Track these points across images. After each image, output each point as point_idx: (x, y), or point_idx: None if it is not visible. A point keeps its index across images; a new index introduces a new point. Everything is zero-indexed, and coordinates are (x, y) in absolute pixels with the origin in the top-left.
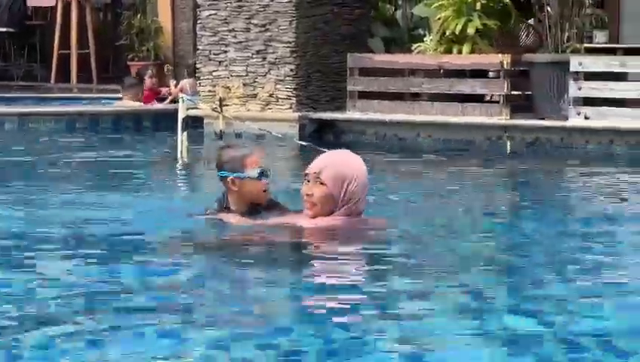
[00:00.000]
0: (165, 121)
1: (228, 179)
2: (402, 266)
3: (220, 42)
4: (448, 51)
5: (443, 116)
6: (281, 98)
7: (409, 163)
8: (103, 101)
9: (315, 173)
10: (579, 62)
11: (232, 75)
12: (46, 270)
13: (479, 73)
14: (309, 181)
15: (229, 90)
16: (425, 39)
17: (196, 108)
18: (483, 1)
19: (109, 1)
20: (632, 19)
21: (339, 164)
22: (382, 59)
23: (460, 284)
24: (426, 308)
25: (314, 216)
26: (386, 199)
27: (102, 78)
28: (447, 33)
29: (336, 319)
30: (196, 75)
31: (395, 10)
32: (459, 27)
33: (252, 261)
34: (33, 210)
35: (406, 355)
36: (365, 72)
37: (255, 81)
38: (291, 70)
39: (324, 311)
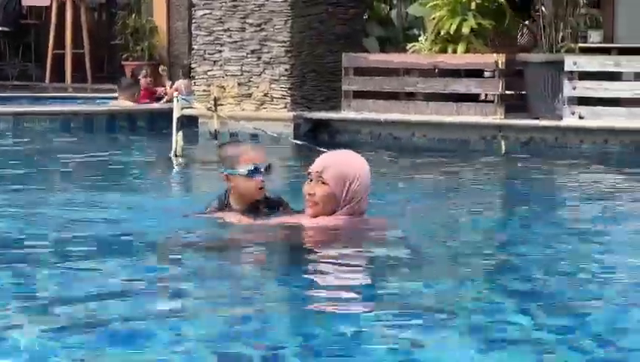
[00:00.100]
0: (160, 121)
1: (223, 176)
2: (403, 266)
3: (215, 42)
4: (443, 51)
5: (438, 116)
6: (275, 97)
7: (404, 162)
8: (98, 101)
9: (317, 172)
10: (573, 62)
11: (227, 75)
12: (45, 270)
13: (474, 73)
14: (311, 180)
15: (224, 89)
16: (420, 39)
17: (191, 107)
18: (478, 1)
19: (103, 0)
20: (627, 19)
21: (341, 163)
22: (377, 58)
23: (461, 283)
24: (426, 308)
25: (316, 216)
26: (384, 199)
27: (96, 78)
28: (442, 33)
29: (336, 318)
30: (191, 74)
31: (390, 9)
32: (453, 27)
33: (252, 260)
34: (31, 210)
35: (406, 354)
36: (360, 71)
37: (250, 81)
38: (286, 70)
39: (324, 311)
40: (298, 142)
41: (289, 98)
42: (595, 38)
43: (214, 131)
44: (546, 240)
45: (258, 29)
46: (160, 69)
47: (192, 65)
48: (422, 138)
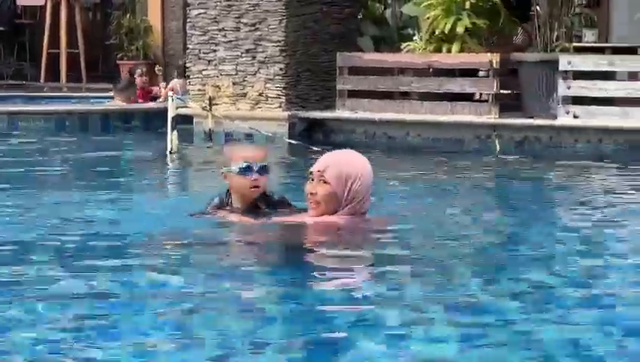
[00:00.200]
0: (155, 120)
1: (221, 173)
2: (404, 266)
3: (210, 41)
4: (438, 50)
5: (432, 115)
6: (270, 97)
7: (401, 162)
8: (92, 100)
9: (319, 171)
10: (568, 61)
11: (221, 74)
12: (43, 270)
13: (468, 72)
14: (312, 180)
15: (219, 89)
16: (414, 38)
17: (186, 107)
18: (472, 0)
19: (98, 0)
20: (622, 19)
21: (343, 163)
22: (371, 58)
23: (462, 283)
24: (428, 307)
25: (318, 215)
26: (383, 198)
27: (91, 77)
28: (437, 32)
29: (337, 318)
30: (186, 74)
31: (385, 9)
32: (448, 26)
33: (251, 260)
34: (28, 210)
35: (407, 353)
36: (355, 70)
37: (245, 80)
38: (281, 69)
39: (324, 311)
40: (293, 141)
41: (284, 97)
42: (589, 37)
43: (209, 130)
44: (542, 239)
45: (253, 28)
46: (156, 68)
47: (187, 65)
48: (416, 137)
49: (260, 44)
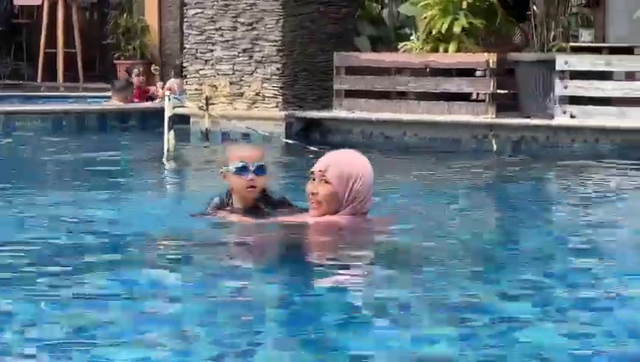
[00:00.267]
0: (152, 120)
1: (220, 173)
2: (405, 266)
3: (207, 41)
4: (434, 50)
5: (429, 115)
6: (267, 96)
7: (396, 161)
8: (90, 100)
9: (320, 171)
10: (565, 61)
11: (218, 74)
12: (41, 270)
13: (465, 72)
14: (314, 179)
15: (216, 88)
16: (411, 38)
17: (183, 106)
18: (469, 0)
19: (95, 0)
20: (618, 19)
21: (344, 162)
22: (368, 57)
23: (462, 283)
24: (429, 307)
25: (319, 215)
26: (382, 198)
27: (88, 77)
28: (434, 32)
29: (337, 318)
30: (183, 73)
31: (382, 8)
32: (445, 26)
33: (252, 260)
34: (26, 210)
35: (408, 353)
36: (352, 70)
37: (242, 80)
38: (278, 69)
39: (325, 311)
40: (290, 141)
41: (281, 97)
42: (586, 37)
43: (206, 130)
44: (540, 239)
45: (250, 28)
46: (152, 68)
47: (184, 65)
48: (413, 137)
49: (257, 44)
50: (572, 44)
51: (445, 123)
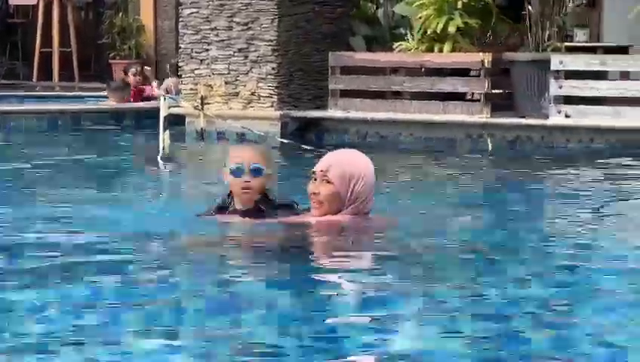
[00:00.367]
0: (147, 119)
1: (222, 173)
2: (407, 266)
3: (202, 40)
4: (430, 50)
5: (424, 114)
6: (262, 96)
7: (392, 161)
8: (86, 99)
9: (321, 171)
10: (559, 61)
11: (214, 74)
12: (37, 270)
13: (460, 72)
14: (315, 179)
15: (211, 88)
16: (406, 38)
17: (178, 106)
18: (464, 0)
19: None
20: (614, 19)
21: (346, 162)
22: (363, 57)
23: (463, 282)
24: (430, 307)
25: (321, 215)
26: (382, 198)
27: (83, 77)
28: (429, 32)
29: (339, 318)
30: (178, 73)
31: (377, 8)
32: (440, 26)
33: (253, 260)
34: (20, 211)
35: (409, 353)
36: (347, 70)
37: (237, 80)
38: (273, 68)
39: (326, 311)
40: (285, 141)
41: (276, 97)
42: (580, 37)
43: (201, 130)
44: (537, 239)
45: (245, 27)
46: (144, 68)
47: (180, 64)
48: (408, 137)
49: (253, 44)
50: (567, 43)
51: (440, 123)
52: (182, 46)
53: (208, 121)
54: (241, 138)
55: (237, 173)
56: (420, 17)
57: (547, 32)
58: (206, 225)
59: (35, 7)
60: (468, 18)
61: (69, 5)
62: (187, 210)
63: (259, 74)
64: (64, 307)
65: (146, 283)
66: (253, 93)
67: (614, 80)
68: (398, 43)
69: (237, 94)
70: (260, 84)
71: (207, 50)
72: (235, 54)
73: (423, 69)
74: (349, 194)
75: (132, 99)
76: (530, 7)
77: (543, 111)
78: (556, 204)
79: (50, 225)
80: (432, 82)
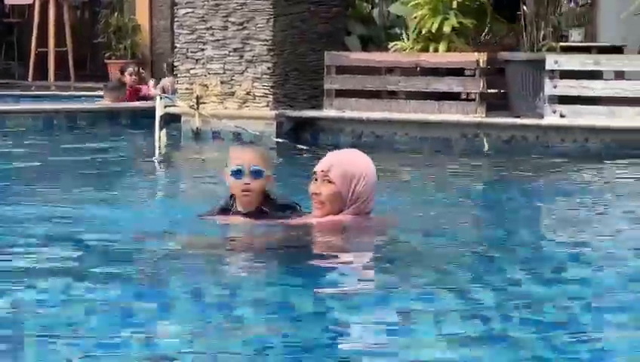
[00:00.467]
0: (143, 119)
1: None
2: (409, 266)
3: (198, 40)
4: (425, 49)
5: (419, 114)
6: (258, 96)
7: (388, 161)
8: (82, 99)
9: (322, 171)
10: (554, 61)
11: (209, 73)
12: (34, 270)
13: (455, 71)
14: (316, 180)
15: (207, 87)
16: (401, 37)
17: (174, 105)
18: (459, 0)
19: None
20: (609, 19)
21: (347, 162)
22: (359, 57)
23: (465, 282)
24: (432, 307)
25: (323, 216)
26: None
27: (79, 76)
28: (424, 31)
29: (340, 318)
30: (174, 73)
31: (372, 8)
32: (435, 25)
33: (254, 261)
34: (16, 211)
35: (411, 352)
36: (342, 70)
37: (232, 79)
38: (268, 68)
39: (327, 311)
40: (280, 140)
41: (271, 96)
42: (575, 37)
43: (196, 129)
44: (534, 239)
45: (240, 27)
46: (139, 69)
47: (175, 64)
48: (404, 136)
49: (248, 43)
50: (562, 43)
51: (435, 122)
52: (177, 46)
53: (204, 120)
54: (237, 137)
55: (237, 174)
56: (415, 17)
57: (542, 32)
58: (208, 225)
59: (31, 6)
60: (463, 18)
61: (65, 5)
62: (183, 210)
63: (254, 73)
64: (64, 307)
65: (146, 284)
66: (248, 93)
67: (609, 80)
68: (394, 43)
69: (232, 94)
70: (256, 84)
71: (202, 49)
72: (231, 54)
73: (418, 69)
74: (350, 194)
75: (128, 99)
76: (525, 7)
77: (538, 110)
78: (551, 203)
79: (48, 225)
80: (427, 82)
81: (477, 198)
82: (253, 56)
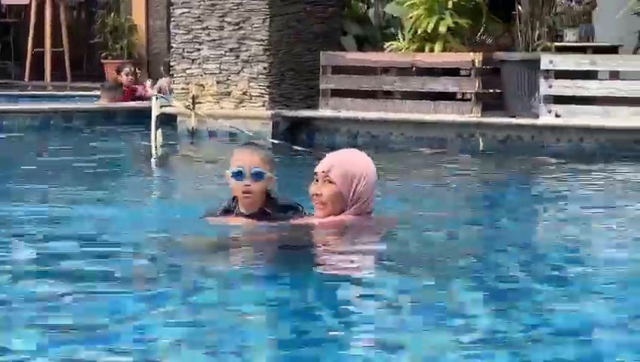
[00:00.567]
0: (139, 119)
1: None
2: (410, 266)
3: (194, 40)
4: (420, 49)
5: (415, 114)
6: (254, 96)
7: (384, 160)
8: (77, 98)
9: (323, 172)
10: (549, 61)
11: (205, 73)
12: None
13: (451, 71)
14: (317, 180)
15: (203, 87)
16: (397, 37)
17: (170, 105)
18: (454, 0)
19: None
20: (604, 18)
21: (347, 162)
22: (354, 57)
23: (465, 282)
24: (433, 307)
25: (324, 216)
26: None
27: (75, 76)
28: (419, 31)
29: (341, 318)
30: (170, 72)
31: (368, 8)
32: (431, 25)
33: (256, 261)
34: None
35: (412, 352)
36: (338, 70)
37: (228, 79)
38: (264, 68)
39: (328, 311)
40: (276, 141)
41: (267, 96)
42: (570, 37)
43: (192, 129)
44: (532, 238)
45: (236, 27)
46: (136, 69)
47: (171, 64)
48: (399, 136)
49: (244, 43)
50: (557, 43)
51: (431, 122)
52: (173, 46)
53: (200, 120)
54: (233, 137)
55: (238, 176)
56: (411, 17)
57: (537, 32)
58: (210, 226)
59: (28, 6)
60: (458, 18)
61: (62, 5)
62: (179, 210)
63: (250, 73)
64: (64, 307)
65: (147, 284)
66: (244, 93)
67: (604, 80)
68: (389, 43)
69: (228, 94)
70: (252, 84)
71: (198, 49)
72: (227, 54)
73: (413, 69)
74: (351, 194)
75: (124, 99)
76: (520, 7)
77: (533, 110)
78: (545, 203)
79: (45, 224)
80: (422, 82)
81: (474, 198)
82: (250, 56)
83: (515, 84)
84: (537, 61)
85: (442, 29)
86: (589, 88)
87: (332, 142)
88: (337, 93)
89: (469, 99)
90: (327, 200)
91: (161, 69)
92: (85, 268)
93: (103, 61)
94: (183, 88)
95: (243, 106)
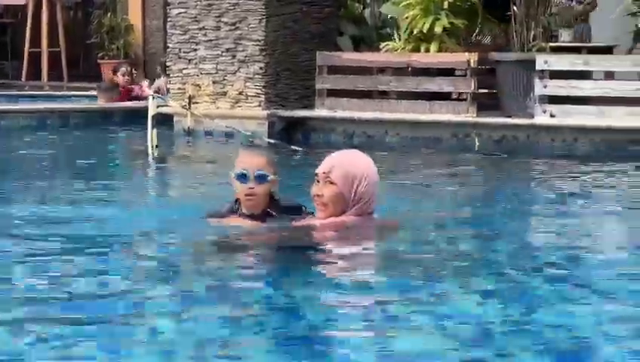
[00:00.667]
0: (136, 119)
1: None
2: (412, 266)
3: (190, 40)
4: (416, 50)
5: (411, 114)
6: (250, 96)
7: (380, 160)
8: (73, 98)
9: (324, 172)
10: (544, 61)
11: (201, 73)
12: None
13: (447, 71)
14: (318, 181)
15: (199, 87)
16: (393, 38)
17: (166, 105)
18: (450, 0)
19: None
20: (600, 19)
21: (348, 163)
22: (350, 57)
23: (465, 282)
24: (434, 306)
25: (326, 217)
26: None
27: (72, 76)
28: (415, 32)
29: (342, 318)
30: (167, 72)
31: (364, 8)
32: (426, 26)
33: (258, 262)
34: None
35: (413, 352)
36: (334, 70)
37: (225, 79)
38: (261, 68)
39: (329, 311)
40: (272, 140)
41: (263, 96)
42: (565, 37)
43: (188, 129)
44: (530, 238)
45: (233, 27)
46: (132, 69)
47: (168, 64)
48: (395, 136)
49: (240, 43)
50: (552, 44)
51: (427, 122)
52: (170, 46)
53: (196, 120)
54: (229, 137)
55: (242, 178)
56: (407, 17)
57: (532, 33)
58: (213, 227)
59: (25, 7)
60: (454, 18)
61: (58, 5)
62: (176, 209)
63: (246, 73)
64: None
65: (146, 285)
66: (240, 93)
67: (599, 80)
68: (385, 43)
69: (225, 94)
70: (248, 84)
71: (195, 49)
72: (223, 54)
73: (409, 69)
74: (352, 194)
75: (120, 99)
76: (515, 8)
77: (529, 110)
78: (541, 203)
79: (42, 224)
80: (418, 82)
81: (470, 198)
82: (246, 56)
83: (511, 84)
84: (532, 61)
85: (438, 29)
86: (584, 88)
87: (328, 142)
88: (333, 93)
89: (465, 99)
90: (328, 201)
91: (158, 69)
92: (85, 268)
93: (99, 61)
94: (179, 88)
95: (239, 106)
